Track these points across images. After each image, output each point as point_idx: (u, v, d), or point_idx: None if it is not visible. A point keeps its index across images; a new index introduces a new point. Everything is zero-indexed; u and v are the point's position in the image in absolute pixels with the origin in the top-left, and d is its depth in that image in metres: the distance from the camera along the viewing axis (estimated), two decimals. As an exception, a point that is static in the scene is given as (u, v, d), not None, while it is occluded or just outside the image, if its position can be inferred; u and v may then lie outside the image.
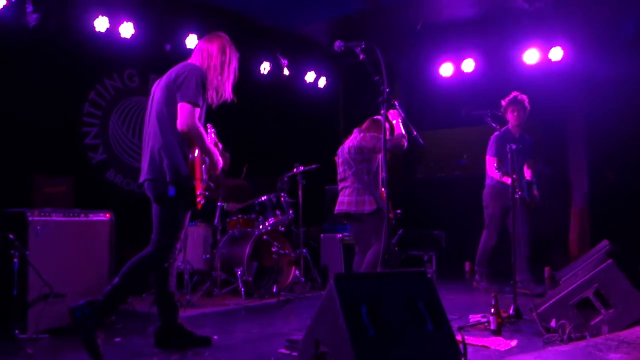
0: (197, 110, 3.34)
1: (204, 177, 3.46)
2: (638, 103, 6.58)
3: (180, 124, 3.29)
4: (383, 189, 4.59)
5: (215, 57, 3.54)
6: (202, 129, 3.39)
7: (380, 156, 4.84)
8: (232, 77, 3.61)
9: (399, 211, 6.56)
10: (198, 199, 3.38)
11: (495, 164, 5.58)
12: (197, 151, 3.38)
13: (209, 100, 3.58)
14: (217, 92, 3.58)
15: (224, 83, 3.58)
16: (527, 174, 5.99)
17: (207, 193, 3.46)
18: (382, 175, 4.78)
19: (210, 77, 3.51)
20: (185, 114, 3.29)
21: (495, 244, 5.88)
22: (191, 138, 3.34)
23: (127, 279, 3.30)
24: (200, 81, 3.36)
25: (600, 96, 6.85)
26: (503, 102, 5.87)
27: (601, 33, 6.73)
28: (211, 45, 3.57)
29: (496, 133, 5.81)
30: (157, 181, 3.37)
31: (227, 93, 3.60)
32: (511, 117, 5.86)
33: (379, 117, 4.85)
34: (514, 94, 5.86)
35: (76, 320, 3.15)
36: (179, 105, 3.31)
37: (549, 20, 6.90)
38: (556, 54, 7.05)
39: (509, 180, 5.43)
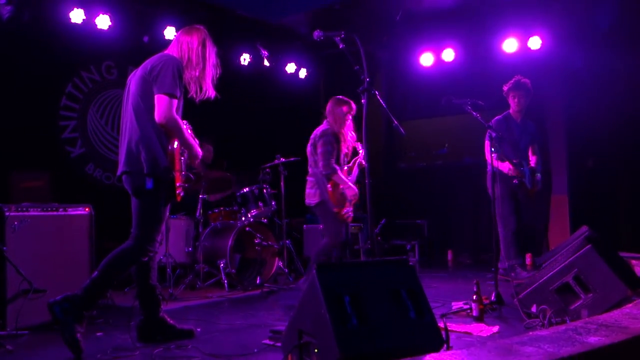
0: (175, 101, 3.30)
1: (183, 169, 3.43)
2: (615, 91, 6.67)
3: (158, 116, 3.25)
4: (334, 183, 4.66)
5: (195, 49, 3.50)
6: (180, 121, 3.35)
7: (343, 146, 4.83)
8: (212, 72, 3.58)
9: (383, 221, 6.63)
10: (177, 191, 3.35)
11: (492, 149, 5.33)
12: (176, 143, 3.35)
13: (192, 93, 3.55)
14: (200, 88, 3.55)
15: (204, 78, 3.54)
16: (532, 160, 5.78)
17: (186, 185, 3.43)
18: (364, 164, 4.81)
19: (191, 70, 3.47)
20: (163, 106, 3.25)
21: (516, 228, 5.54)
22: (169, 130, 3.30)
23: (106, 272, 3.26)
24: (176, 72, 3.32)
25: (578, 85, 6.93)
26: (505, 87, 5.69)
27: (579, 23, 6.80)
28: (191, 38, 3.53)
29: (496, 117, 5.68)
30: (135, 174, 3.32)
31: (210, 90, 3.57)
32: (513, 102, 5.68)
33: (340, 96, 4.91)
34: (516, 77, 5.65)
35: (55, 316, 3.11)
36: (157, 97, 3.27)
37: (527, 9, 6.95)
38: (535, 43, 7.11)
39: (504, 167, 5.45)
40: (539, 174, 5.71)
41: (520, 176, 5.47)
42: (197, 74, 3.50)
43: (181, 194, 3.39)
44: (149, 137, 3.30)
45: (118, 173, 3.44)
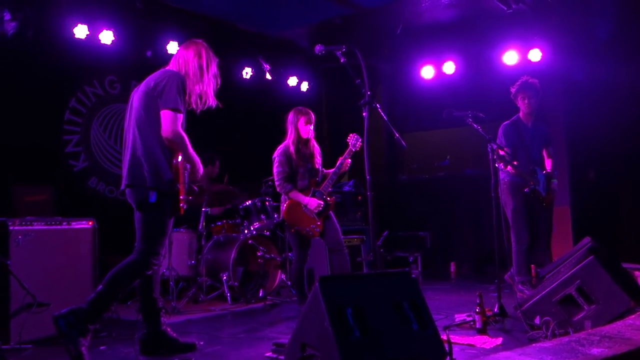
0: (180, 116, 3.33)
1: (187, 182, 3.45)
2: (616, 102, 6.69)
3: (165, 131, 3.28)
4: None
5: (191, 62, 3.54)
6: (185, 136, 3.39)
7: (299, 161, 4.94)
8: (212, 82, 3.62)
9: (385, 233, 6.64)
10: (180, 204, 3.37)
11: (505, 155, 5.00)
12: (179, 157, 3.37)
13: (193, 105, 3.58)
14: (200, 98, 3.58)
15: (205, 89, 3.58)
16: (548, 164, 5.48)
17: (190, 198, 3.44)
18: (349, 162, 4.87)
19: (190, 83, 3.51)
20: (169, 121, 3.28)
21: (529, 244, 5.23)
22: (175, 144, 3.33)
23: (111, 286, 3.27)
24: (180, 87, 3.36)
25: (579, 96, 6.96)
26: (512, 89, 5.39)
27: (578, 35, 6.84)
28: (187, 52, 3.58)
29: (505, 123, 5.41)
30: (138, 187, 3.35)
31: (211, 99, 3.61)
32: (522, 104, 5.35)
33: (300, 107, 5.07)
34: (523, 78, 5.37)
35: (60, 330, 3.12)
36: (162, 112, 3.31)
37: (527, 22, 6.99)
38: (535, 55, 7.15)
39: (510, 170, 5.24)
40: (555, 180, 5.39)
41: (534, 184, 5.17)
42: (197, 86, 3.54)
43: (184, 207, 3.40)
44: (153, 151, 3.33)
45: (122, 187, 3.47)
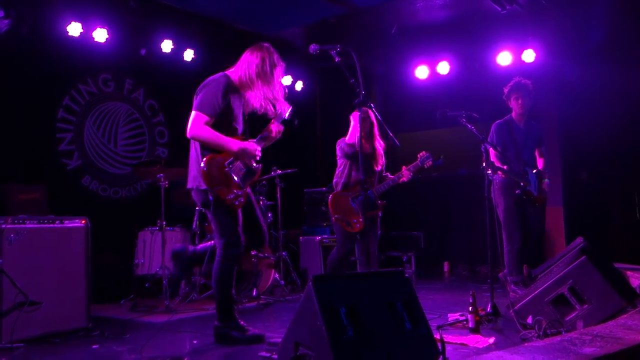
0: (203, 116, 3.54)
1: (235, 179, 3.63)
2: (609, 103, 6.74)
3: (187, 131, 3.57)
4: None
5: (255, 65, 3.76)
6: (206, 132, 3.54)
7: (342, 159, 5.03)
8: (282, 88, 3.90)
9: (379, 233, 6.61)
10: (228, 203, 3.57)
11: (496, 154, 5.13)
12: (202, 162, 3.55)
13: (262, 110, 3.82)
14: (274, 106, 3.86)
15: (275, 95, 3.82)
16: (540, 163, 5.49)
17: (239, 192, 3.62)
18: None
19: (255, 86, 3.72)
20: (191, 122, 3.55)
21: (521, 244, 5.23)
22: (203, 143, 3.59)
23: (220, 287, 3.66)
24: (212, 90, 3.60)
25: (572, 97, 7.00)
26: (505, 89, 5.41)
27: (571, 36, 6.88)
28: (251, 56, 3.81)
29: (497, 122, 5.41)
30: (197, 190, 3.66)
31: (280, 104, 3.90)
32: (515, 105, 5.37)
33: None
34: (516, 79, 5.39)
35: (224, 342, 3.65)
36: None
37: (521, 23, 7.02)
38: (529, 56, 7.18)
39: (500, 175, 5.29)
40: (547, 180, 5.40)
41: (525, 184, 5.18)
42: (263, 90, 3.76)
43: (236, 203, 3.60)
44: (192, 156, 3.69)
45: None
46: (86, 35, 6.08)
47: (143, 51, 6.66)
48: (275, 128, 4.04)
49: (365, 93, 3.59)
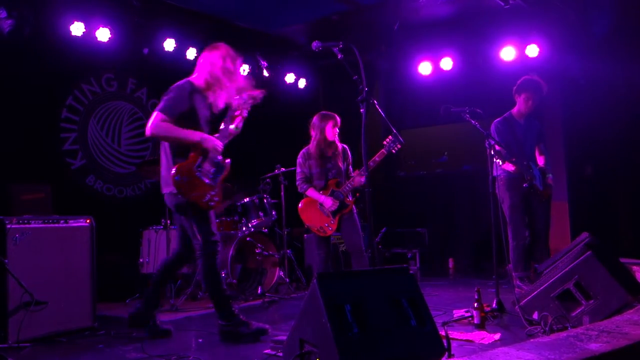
0: (162, 116, 3.57)
1: (206, 182, 3.68)
2: (613, 97, 6.70)
3: (146, 130, 3.59)
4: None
5: (217, 65, 3.84)
6: (165, 127, 3.57)
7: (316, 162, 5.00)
8: (245, 79, 3.99)
9: (384, 229, 6.60)
10: (206, 204, 3.67)
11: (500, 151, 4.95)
12: (173, 170, 3.59)
13: (221, 105, 3.90)
14: (248, 99, 4.00)
15: (241, 85, 3.93)
16: (540, 160, 5.44)
17: (212, 192, 3.70)
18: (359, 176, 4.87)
19: (221, 84, 3.82)
20: (151, 121, 3.58)
21: (528, 241, 5.17)
22: (161, 140, 3.67)
23: (212, 287, 3.76)
24: (176, 95, 3.67)
25: (576, 92, 6.96)
26: (518, 82, 5.32)
27: (575, 31, 6.83)
28: (211, 55, 3.88)
29: (496, 120, 5.37)
30: (170, 194, 3.72)
31: (255, 92, 4.02)
32: (523, 103, 5.28)
33: (324, 112, 5.13)
34: (534, 78, 5.28)
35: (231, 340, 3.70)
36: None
37: (524, 18, 6.98)
38: (532, 50, 7.14)
39: (508, 167, 5.24)
40: (550, 175, 5.35)
41: (530, 179, 5.11)
42: (229, 86, 3.86)
43: (212, 204, 3.68)
44: (162, 162, 3.76)
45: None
46: (89, 34, 6.08)
47: (146, 50, 6.66)
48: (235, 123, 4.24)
49: (368, 90, 3.58)
